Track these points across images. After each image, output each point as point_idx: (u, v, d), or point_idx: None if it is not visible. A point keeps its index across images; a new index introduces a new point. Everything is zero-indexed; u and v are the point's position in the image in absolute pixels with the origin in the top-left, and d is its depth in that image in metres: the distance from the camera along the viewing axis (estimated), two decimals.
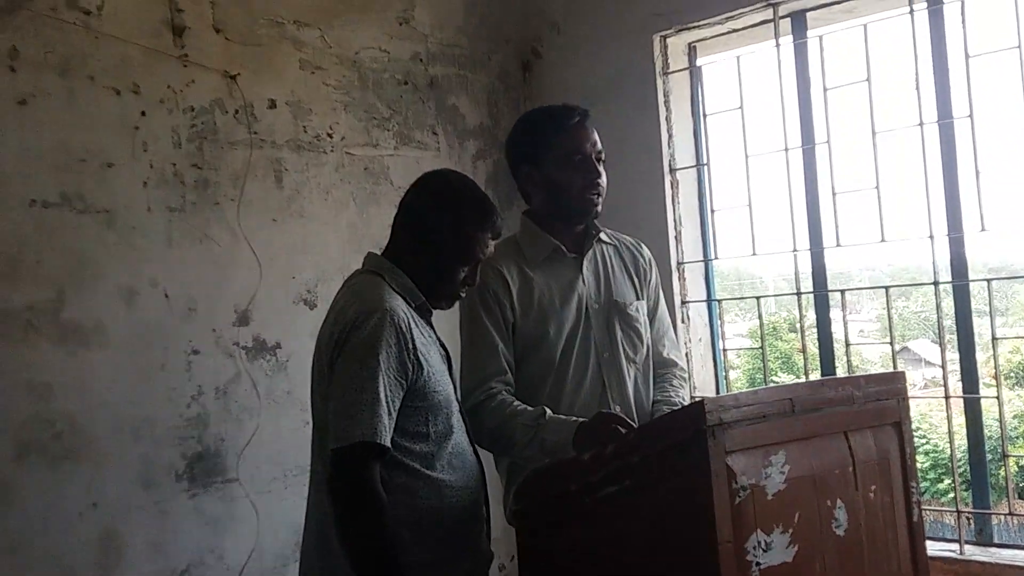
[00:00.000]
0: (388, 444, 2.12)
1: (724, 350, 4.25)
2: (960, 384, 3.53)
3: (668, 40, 4.17)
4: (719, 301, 4.25)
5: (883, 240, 3.62)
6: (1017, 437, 14.94)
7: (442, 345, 2.41)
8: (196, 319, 3.37)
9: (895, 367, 4.04)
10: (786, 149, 3.85)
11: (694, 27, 4.06)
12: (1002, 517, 3.90)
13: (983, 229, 3.40)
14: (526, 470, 2.53)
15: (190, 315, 3.35)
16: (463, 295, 2.44)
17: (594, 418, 2.40)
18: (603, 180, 2.66)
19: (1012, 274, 7.47)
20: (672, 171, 4.17)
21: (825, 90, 3.76)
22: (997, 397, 3.57)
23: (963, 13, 3.41)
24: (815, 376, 3.92)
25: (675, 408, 2.64)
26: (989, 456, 3.64)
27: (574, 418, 2.44)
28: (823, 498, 2.07)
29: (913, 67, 3.52)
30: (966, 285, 3.50)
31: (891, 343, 3.95)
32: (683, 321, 4.13)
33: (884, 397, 2.27)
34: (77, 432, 3.06)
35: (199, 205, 3.40)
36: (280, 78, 3.66)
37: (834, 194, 3.73)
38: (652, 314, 2.83)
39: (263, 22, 3.62)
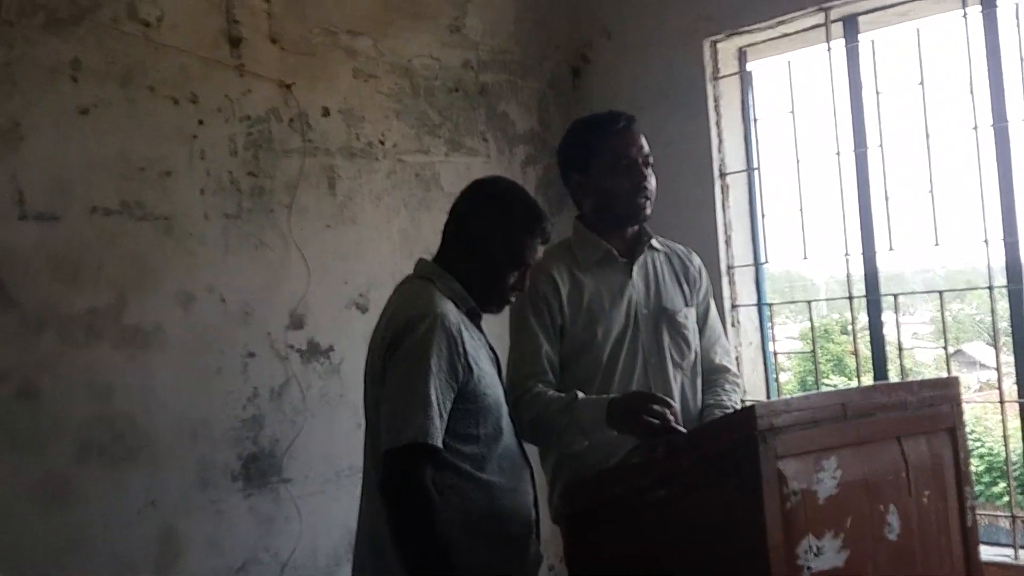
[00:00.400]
0: (440, 445, 2.15)
1: (775, 353, 4.23)
2: (1016, 388, 3.48)
3: (718, 45, 4.16)
4: (770, 305, 4.23)
5: (937, 244, 3.58)
6: None
7: (491, 348, 2.44)
8: (251, 323, 3.43)
9: (949, 371, 3.99)
10: (838, 153, 3.82)
11: (745, 32, 4.05)
12: None
13: None
14: (570, 466, 2.57)
15: (245, 319, 3.41)
16: (512, 300, 2.46)
17: (628, 395, 2.43)
18: (651, 184, 2.67)
19: None
20: (722, 175, 4.15)
21: (877, 93, 3.72)
22: None
23: (1017, 14, 3.37)
24: (867, 379, 3.89)
25: (727, 412, 2.65)
26: None
27: (605, 396, 2.46)
28: (875, 503, 2.05)
29: (967, 69, 3.48)
30: (1021, 289, 3.45)
31: (945, 347, 3.90)
32: (733, 325, 4.11)
33: (938, 402, 2.24)
34: (137, 433, 3.14)
35: (254, 212, 3.46)
36: (334, 87, 3.72)
37: (887, 198, 3.69)
38: (703, 322, 2.84)
39: (317, 32, 3.68)
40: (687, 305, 2.78)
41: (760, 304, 4.20)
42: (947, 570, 2.20)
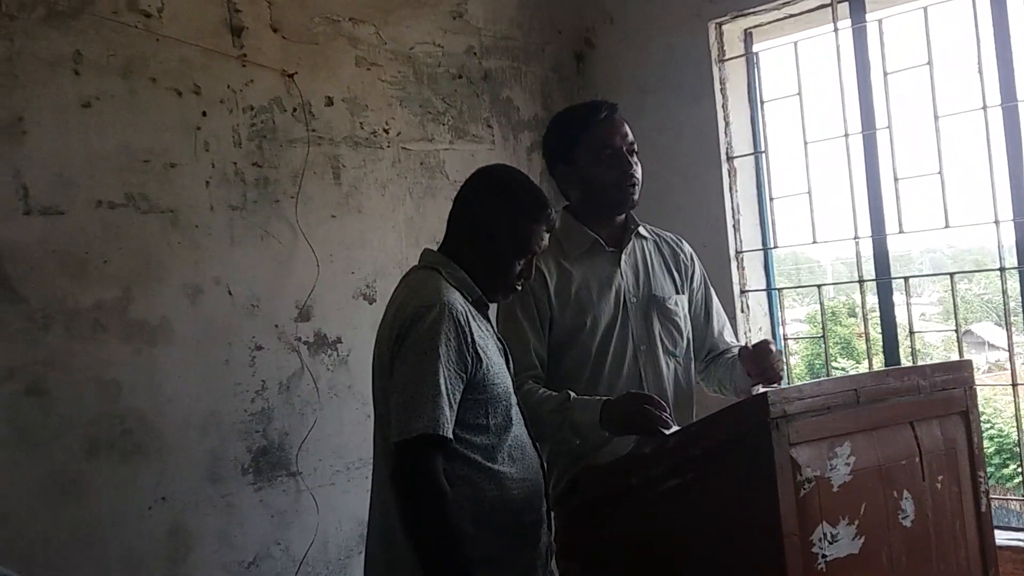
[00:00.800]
0: (450, 436, 2.14)
1: (785, 338, 4.21)
2: None
3: (724, 27, 4.13)
4: (779, 290, 4.21)
5: (947, 226, 3.55)
6: None
7: (499, 339, 2.43)
8: (259, 315, 3.42)
9: (961, 354, 3.97)
10: (846, 135, 3.79)
11: (750, 13, 4.01)
12: None
13: None
14: (565, 458, 2.60)
15: (253, 311, 3.40)
16: (519, 288, 2.45)
17: (621, 397, 2.44)
18: (637, 172, 2.69)
19: None
20: (729, 159, 4.13)
21: (885, 74, 3.69)
22: None
23: None
24: (878, 362, 3.87)
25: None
26: None
27: (598, 397, 2.47)
28: (889, 489, 2.05)
29: (975, 49, 3.45)
30: None
31: (956, 330, 3.88)
32: (742, 311, 4.09)
33: (951, 386, 2.23)
34: (146, 428, 3.13)
35: (260, 203, 3.44)
36: (336, 75, 3.69)
37: (896, 180, 3.67)
38: (706, 309, 2.86)
39: (319, 20, 3.65)
40: (678, 292, 2.80)
41: (769, 289, 4.18)
42: (962, 554, 2.20)
